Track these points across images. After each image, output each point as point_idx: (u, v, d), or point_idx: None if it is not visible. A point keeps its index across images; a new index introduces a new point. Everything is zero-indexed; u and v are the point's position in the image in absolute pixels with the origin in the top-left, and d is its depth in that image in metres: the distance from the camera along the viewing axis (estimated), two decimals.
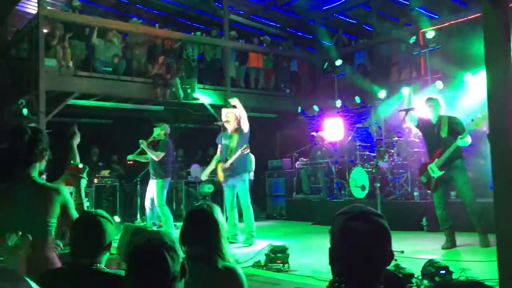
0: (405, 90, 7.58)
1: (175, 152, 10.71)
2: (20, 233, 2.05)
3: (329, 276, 1.54)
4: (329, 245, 1.54)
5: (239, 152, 6.51)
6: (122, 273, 1.70)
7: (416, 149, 7.88)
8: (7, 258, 2.07)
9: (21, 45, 10.11)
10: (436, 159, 5.61)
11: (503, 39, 2.57)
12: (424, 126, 5.87)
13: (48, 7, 9.60)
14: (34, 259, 2.20)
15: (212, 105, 10.53)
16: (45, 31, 8.81)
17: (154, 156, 7.51)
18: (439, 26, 9.24)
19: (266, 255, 4.84)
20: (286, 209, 10.30)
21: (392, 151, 8.25)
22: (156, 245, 1.57)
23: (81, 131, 3.24)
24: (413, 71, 10.24)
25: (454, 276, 3.68)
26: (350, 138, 9.43)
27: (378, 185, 5.81)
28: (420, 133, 6.48)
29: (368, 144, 9.37)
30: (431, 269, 3.76)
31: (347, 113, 10.33)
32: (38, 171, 2.55)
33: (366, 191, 8.02)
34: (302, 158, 10.47)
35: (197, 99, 10.34)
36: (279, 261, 4.73)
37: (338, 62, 10.54)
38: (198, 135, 12.89)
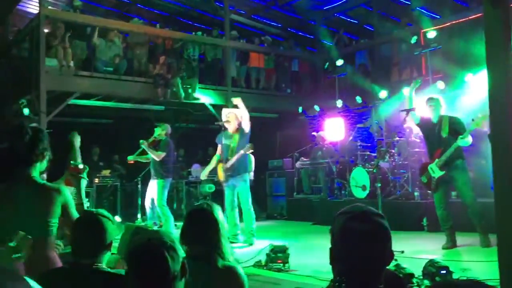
0: (406, 90, 7.57)
1: (176, 152, 10.72)
2: (21, 234, 2.05)
3: (330, 276, 1.54)
4: (329, 245, 1.54)
5: (241, 152, 6.51)
6: (123, 272, 1.70)
7: (417, 149, 7.88)
8: (8, 259, 2.07)
9: (22, 45, 10.12)
10: (437, 159, 5.61)
11: (504, 39, 2.57)
12: (425, 125, 5.86)
13: (49, 7, 9.60)
14: (35, 259, 2.20)
15: (213, 105, 10.53)
16: (46, 31, 8.82)
17: (155, 156, 7.52)
18: (440, 26, 9.23)
19: (267, 254, 4.84)
20: (287, 209, 10.30)
21: (393, 151, 8.25)
22: (156, 244, 1.57)
23: (82, 131, 3.25)
24: (414, 71, 10.23)
25: (455, 276, 3.68)
26: (350, 138, 9.43)
27: (379, 185, 5.81)
28: (421, 133, 6.47)
29: (368, 144, 9.37)
30: (432, 269, 3.76)
31: (348, 113, 10.33)
32: (39, 171, 2.55)
33: (367, 191, 8.02)
34: (302, 158, 10.47)
35: (198, 99, 10.34)
36: (279, 261, 4.74)
37: (339, 62, 10.53)
38: (199, 135, 12.89)
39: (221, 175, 6.75)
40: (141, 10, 12.05)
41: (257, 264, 4.88)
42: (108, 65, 9.64)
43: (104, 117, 12.47)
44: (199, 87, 10.39)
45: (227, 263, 2.23)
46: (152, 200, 7.64)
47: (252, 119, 6.73)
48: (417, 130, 7.03)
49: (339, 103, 10.27)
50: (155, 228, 7.30)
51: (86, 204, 2.82)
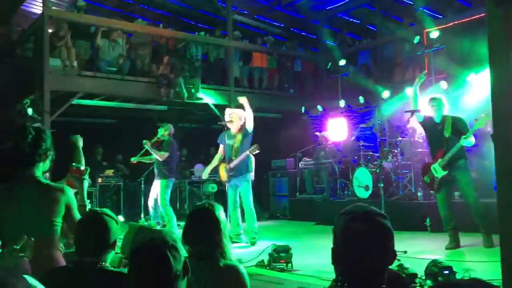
0: (409, 90, 7.57)
1: (179, 152, 10.75)
2: (25, 235, 2.06)
3: (332, 276, 1.55)
4: (332, 245, 1.55)
5: (247, 153, 6.53)
6: (127, 271, 1.71)
7: (420, 149, 7.87)
8: (13, 259, 2.08)
9: (26, 45, 10.16)
10: (440, 159, 5.60)
11: (507, 39, 2.57)
12: (428, 124, 5.85)
13: (53, 7, 9.64)
14: (40, 259, 2.20)
15: (215, 105, 10.54)
16: (50, 31, 8.85)
17: (158, 156, 7.53)
18: (443, 26, 9.21)
19: (270, 254, 4.85)
20: (290, 209, 10.30)
21: (396, 151, 8.25)
22: (158, 244, 1.58)
23: (85, 131, 3.27)
24: (417, 71, 10.20)
25: (458, 277, 3.67)
26: (353, 138, 9.43)
27: (382, 185, 5.81)
28: (424, 133, 6.47)
29: (371, 144, 9.37)
30: (435, 269, 3.76)
31: (350, 113, 10.32)
32: (41, 171, 2.56)
33: (370, 191, 8.02)
34: (305, 158, 10.47)
35: (201, 99, 10.35)
36: (282, 261, 4.74)
37: (342, 62, 10.53)
38: (201, 135, 12.90)
39: (223, 175, 6.75)
40: (144, 10, 12.07)
41: (260, 264, 4.89)
42: (111, 65, 9.67)
43: (108, 117, 12.50)
44: (201, 87, 10.40)
45: (229, 263, 2.24)
46: (155, 199, 7.66)
47: (255, 119, 6.74)
48: (420, 130, 7.02)
49: (342, 103, 10.27)
50: (158, 227, 7.32)
51: (88, 206, 2.83)
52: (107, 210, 2.24)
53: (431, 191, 6.59)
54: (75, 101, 9.22)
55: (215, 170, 7.10)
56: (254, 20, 12.98)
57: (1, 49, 10.06)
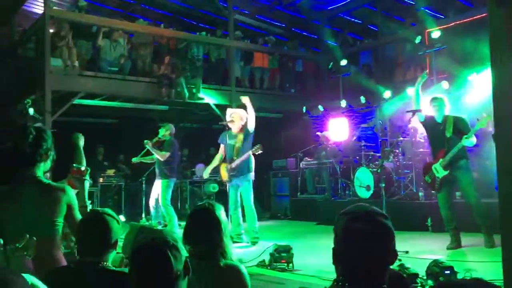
0: (410, 90, 7.56)
1: (180, 152, 10.76)
2: (27, 235, 2.06)
3: (333, 276, 1.55)
4: (333, 245, 1.55)
5: (250, 153, 6.53)
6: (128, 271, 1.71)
7: (421, 149, 7.87)
8: (14, 257, 2.08)
9: (27, 45, 10.17)
10: (441, 159, 5.60)
11: (509, 39, 2.56)
12: (429, 124, 5.85)
13: (55, 7, 9.64)
14: (41, 258, 2.21)
15: (217, 105, 10.54)
16: (51, 31, 8.86)
17: (159, 156, 7.54)
18: (445, 26, 9.20)
19: (271, 254, 4.85)
20: (291, 209, 10.30)
21: (397, 151, 8.24)
22: (159, 244, 1.58)
23: (87, 131, 3.27)
24: (418, 71, 10.20)
25: (459, 277, 3.67)
26: (354, 138, 9.43)
27: (383, 185, 5.81)
28: (425, 133, 6.46)
29: (373, 144, 9.37)
30: (436, 269, 3.76)
31: (352, 113, 10.32)
32: (42, 171, 2.56)
33: (371, 191, 8.01)
34: (306, 158, 10.47)
35: (202, 99, 10.35)
36: (283, 261, 4.74)
37: (343, 62, 10.52)
38: (203, 135, 12.90)
39: (224, 175, 6.75)
40: (145, 10, 12.07)
41: (261, 264, 4.89)
42: (112, 65, 9.67)
43: (109, 117, 12.51)
44: (203, 87, 10.40)
45: (230, 262, 2.24)
46: (156, 199, 7.67)
47: (256, 119, 6.74)
48: (422, 130, 7.01)
49: (343, 103, 10.27)
50: (160, 227, 7.33)
51: (89, 207, 2.83)
52: (108, 210, 2.24)
53: (432, 191, 6.59)
54: (76, 101, 9.24)
55: (216, 170, 7.10)
56: (255, 20, 12.97)
57: (2, 49, 10.08)
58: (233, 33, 11.16)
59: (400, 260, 3.89)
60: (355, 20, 12.88)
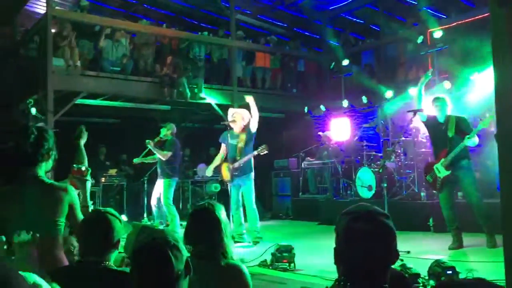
0: (412, 90, 7.56)
1: (182, 152, 10.77)
2: (30, 232, 2.07)
3: (335, 276, 1.55)
4: (334, 245, 1.55)
5: (255, 153, 6.53)
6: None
7: (423, 149, 7.86)
8: (15, 257, 2.09)
9: (29, 45, 10.19)
10: (443, 159, 5.59)
11: (511, 39, 2.56)
12: (431, 124, 5.84)
13: (57, 7, 9.66)
14: (43, 258, 2.21)
15: (218, 105, 10.55)
16: (53, 31, 8.87)
17: (161, 155, 7.55)
18: (447, 26, 9.20)
19: (272, 254, 4.85)
20: (292, 209, 10.30)
21: (399, 151, 8.23)
22: (160, 243, 1.58)
23: (89, 131, 3.27)
24: (420, 71, 10.19)
25: (461, 277, 3.67)
26: (356, 138, 9.42)
27: (385, 185, 5.80)
28: (427, 133, 6.45)
29: (374, 144, 9.36)
30: (438, 269, 3.75)
31: (353, 113, 10.32)
32: (44, 170, 2.56)
33: (373, 191, 8.01)
34: (308, 158, 10.46)
35: (204, 98, 10.36)
36: (285, 261, 4.74)
37: (345, 62, 10.52)
38: (204, 135, 12.90)
39: (225, 174, 6.75)
40: (148, 10, 12.08)
41: (263, 264, 4.90)
42: (114, 65, 9.69)
43: (111, 116, 12.52)
44: (204, 87, 10.41)
45: (231, 262, 2.24)
46: (158, 199, 7.67)
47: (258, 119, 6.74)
48: (424, 130, 7.00)
49: (345, 103, 10.26)
50: (161, 227, 7.34)
51: (91, 207, 2.84)
52: (110, 210, 2.25)
53: (434, 191, 6.58)
54: (78, 101, 9.26)
55: (218, 170, 7.10)
56: (257, 20, 12.97)
57: (5, 49, 10.10)
58: (235, 33, 11.17)
59: (402, 260, 3.89)
60: (357, 20, 12.87)
